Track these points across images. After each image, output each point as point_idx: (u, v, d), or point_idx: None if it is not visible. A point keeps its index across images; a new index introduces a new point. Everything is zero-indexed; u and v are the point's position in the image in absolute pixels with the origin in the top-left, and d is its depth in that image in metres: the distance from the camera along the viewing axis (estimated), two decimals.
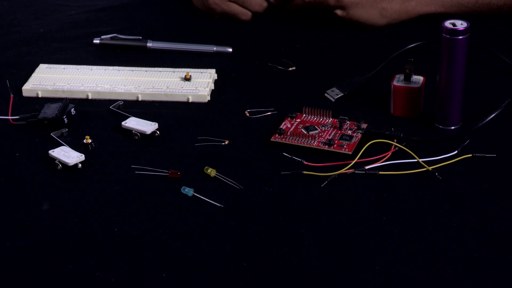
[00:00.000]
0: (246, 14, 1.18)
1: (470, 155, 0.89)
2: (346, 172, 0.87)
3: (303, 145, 0.91)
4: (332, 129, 0.94)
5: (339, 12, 1.14)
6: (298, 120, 0.95)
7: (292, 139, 0.92)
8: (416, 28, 1.16)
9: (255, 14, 1.18)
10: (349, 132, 0.93)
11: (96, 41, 1.14)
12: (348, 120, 0.94)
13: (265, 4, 1.18)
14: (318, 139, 0.92)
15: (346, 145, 0.91)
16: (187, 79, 1.03)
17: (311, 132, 0.93)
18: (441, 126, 0.94)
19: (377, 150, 0.90)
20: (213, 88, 1.04)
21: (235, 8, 1.18)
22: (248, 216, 0.82)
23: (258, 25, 1.20)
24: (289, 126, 0.94)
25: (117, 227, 0.81)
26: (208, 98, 1.02)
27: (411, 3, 1.15)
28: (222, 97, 1.03)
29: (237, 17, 1.18)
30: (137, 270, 0.76)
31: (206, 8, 1.20)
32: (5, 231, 0.81)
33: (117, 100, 1.01)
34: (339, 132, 0.93)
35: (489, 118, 0.93)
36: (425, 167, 0.88)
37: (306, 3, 1.14)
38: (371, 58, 1.09)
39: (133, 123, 0.95)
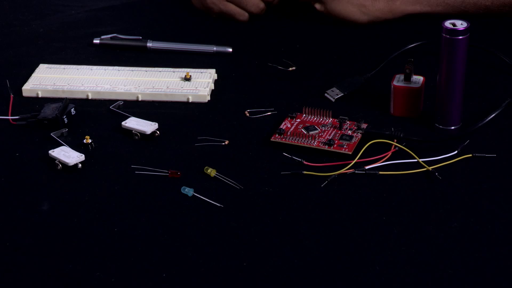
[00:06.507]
0: (243, 15, 1.18)
1: (470, 155, 0.89)
2: (346, 172, 0.87)
3: (303, 145, 0.91)
4: (332, 129, 0.94)
5: (317, 6, 1.15)
6: (298, 120, 0.95)
7: (292, 139, 0.92)
8: (416, 28, 1.16)
9: (254, 14, 1.18)
10: (349, 132, 0.93)
11: (96, 41, 1.14)
12: (348, 120, 0.94)
13: (262, 5, 1.18)
14: (318, 139, 0.92)
15: (346, 145, 0.91)
16: (187, 79, 1.03)
17: (311, 132, 0.93)
18: (441, 126, 0.94)
19: (377, 150, 0.90)
20: (213, 88, 1.04)
21: (232, 8, 1.18)
22: (248, 216, 0.82)
23: (258, 25, 1.20)
24: (289, 126, 0.94)
25: (117, 227, 0.81)
26: (208, 98, 1.02)
27: (396, 2, 1.15)
28: (222, 97, 1.02)
29: (234, 17, 1.18)
30: (137, 270, 0.76)
31: (204, 7, 1.20)
32: (5, 231, 0.81)
33: (117, 100, 1.01)
34: (339, 132, 0.93)
35: (489, 118, 0.93)
36: (425, 167, 0.88)
37: None
38: (371, 58, 1.09)
39: (133, 123, 0.95)
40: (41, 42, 1.17)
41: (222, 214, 0.83)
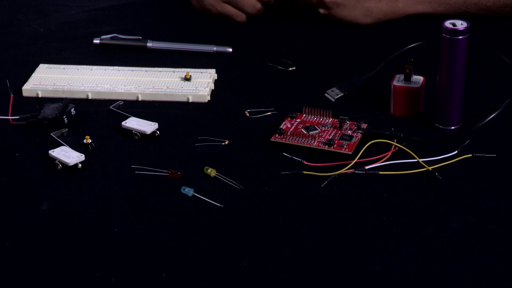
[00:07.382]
0: (240, 16, 1.19)
1: (470, 155, 0.90)
2: (346, 172, 0.87)
3: (303, 145, 0.91)
4: (332, 129, 0.94)
5: (321, 10, 1.16)
6: (298, 120, 0.95)
7: (292, 139, 0.92)
8: (416, 28, 1.16)
9: (251, 15, 1.19)
10: (349, 132, 0.93)
11: (96, 41, 1.14)
12: (348, 120, 0.94)
13: (258, 6, 1.18)
14: (318, 139, 0.92)
15: (346, 145, 0.91)
16: (187, 79, 1.03)
17: (311, 132, 0.93)
18: (441, 126, 0.94)
19: (377, 150, 0.90)
20: (213, 88, 1.04)
21: (229, 9, 1.18)
22: (248, 216, 0.82)
23: (258, 25, 1.20)
24: (289, 126, 0.94)
25: (117, 227, 0.81)
26: (208, 98, 1.02)
27: (398, 4, 1.15)
28: (222, 97, 1.02)
29: (231, 19, 1.19)
30: (137, 270, 0.76)
31: (202, 8, 1.20)
32: (5, 231, 0.81)
33: (117, 100, 1.01)
34: (339, 132, 0.93)
35: (489, 118, 0.93)
36: (425, 167, 0.88)
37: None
38: (371, 58, 1.09)
39: (133, 123, 0.95)
40: (41, 42, 1.17)
41: (222, 214, 0.83)
